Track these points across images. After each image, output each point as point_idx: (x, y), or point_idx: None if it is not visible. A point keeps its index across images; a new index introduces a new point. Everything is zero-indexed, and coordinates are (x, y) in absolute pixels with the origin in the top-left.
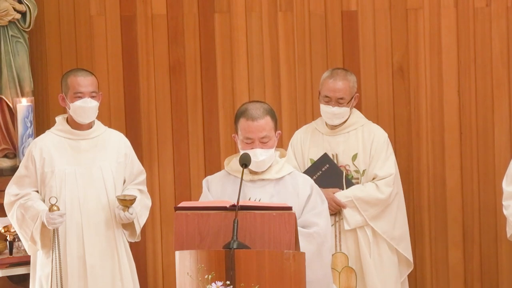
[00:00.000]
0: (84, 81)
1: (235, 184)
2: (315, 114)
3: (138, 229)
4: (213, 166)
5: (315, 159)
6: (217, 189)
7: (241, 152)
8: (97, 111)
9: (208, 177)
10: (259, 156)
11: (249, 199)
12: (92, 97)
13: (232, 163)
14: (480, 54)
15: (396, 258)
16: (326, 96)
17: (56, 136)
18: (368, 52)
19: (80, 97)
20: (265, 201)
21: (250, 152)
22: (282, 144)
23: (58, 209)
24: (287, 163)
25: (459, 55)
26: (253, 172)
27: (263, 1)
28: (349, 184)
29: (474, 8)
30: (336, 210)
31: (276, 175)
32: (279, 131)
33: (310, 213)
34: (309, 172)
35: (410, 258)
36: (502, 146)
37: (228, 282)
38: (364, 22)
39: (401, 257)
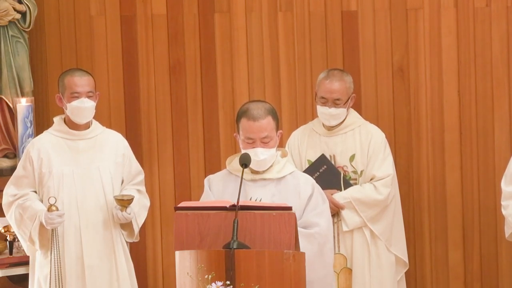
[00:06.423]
0: (81, 81)
1: (237, 183)
2: (315, 114)
3: (136, 229)
4: (213, 166)
5: (313, 160)
6: (219, 188)
7: (242, 151)
8: (94, 111)
9: (210, 176)
10: (260, 155)
11: (250, 199)
12: (89, 97)
13: (233, 162)
14: (480, 54)
15: (393, 257)
16: (323, 98)
17: (53, 137)
18: (368, 52)
19: (76, 97)
20: (266, 200)
21: (251, 151)
22: (282, 145)
23: (57, 209)
24: (289, 162)
25: (459, 55)
26: (254, 172)
27: (263, 1)
28: (347, 185)
29: (474, 8)
30: (334, 212)
31: (278, 175)
32: (281, 131)
33: (311, 213)
34: (306, 173)
35: (406, 259)
36: (502, 146)
37: (228, 282)
38: (364, 22)
39: (398, 256)
